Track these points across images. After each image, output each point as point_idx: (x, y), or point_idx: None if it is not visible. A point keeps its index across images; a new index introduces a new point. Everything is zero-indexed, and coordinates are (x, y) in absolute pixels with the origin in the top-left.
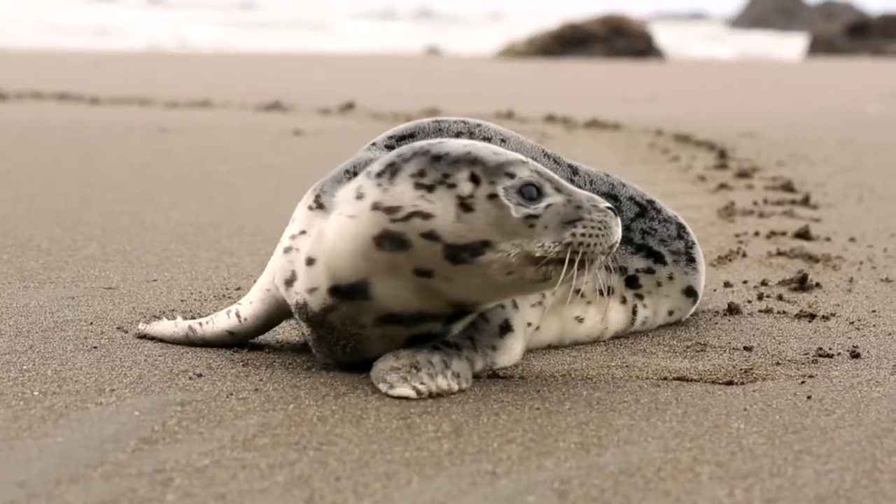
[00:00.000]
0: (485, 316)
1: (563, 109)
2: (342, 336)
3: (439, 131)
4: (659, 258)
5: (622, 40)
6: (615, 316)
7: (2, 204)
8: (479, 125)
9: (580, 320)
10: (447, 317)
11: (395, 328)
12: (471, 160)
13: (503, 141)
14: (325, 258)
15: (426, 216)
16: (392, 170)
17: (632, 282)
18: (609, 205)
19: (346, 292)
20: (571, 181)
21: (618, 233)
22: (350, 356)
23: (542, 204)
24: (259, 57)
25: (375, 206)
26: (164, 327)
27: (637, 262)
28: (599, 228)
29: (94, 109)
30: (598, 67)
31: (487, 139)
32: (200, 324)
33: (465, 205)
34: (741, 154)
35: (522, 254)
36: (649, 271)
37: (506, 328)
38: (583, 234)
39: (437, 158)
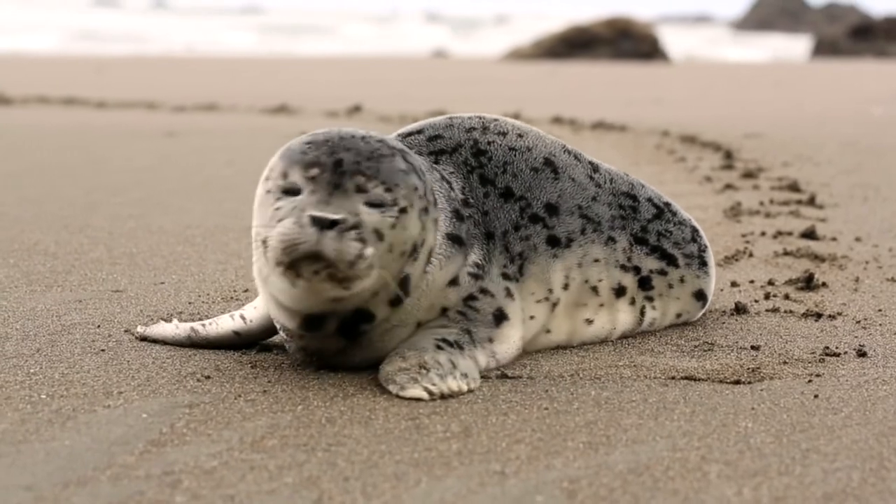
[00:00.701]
0: (475, 307)
1: (570, 111)
2: (297, 347)
3: (450, 127)
4: (672, 260)
5: (628, 42)
6: (623, 317)
7: (8, 208)
8: (495, 120)
9: (589, 322)
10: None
11: (317, 328)
12: (284, 156)
13: (520, 135)
14: None
15: (255, 210)
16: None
17: (645, 283)
18: (318, 215)
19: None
20: (591, 178)
21: (309, 244)
22: (319, 362)
23: (287, 203)
24: (265, 61)
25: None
26: (165, 329)
27: (651, 263)
28: (290, 232)
29: (101, 113)
30: (603, 70)
31: (503, 133)
32: (203, 325)
33: (260, 199)
34: (747, 155)
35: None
36: (662, 273)
37: (500, 317)
38: (280, 235)
39: (281, 155)
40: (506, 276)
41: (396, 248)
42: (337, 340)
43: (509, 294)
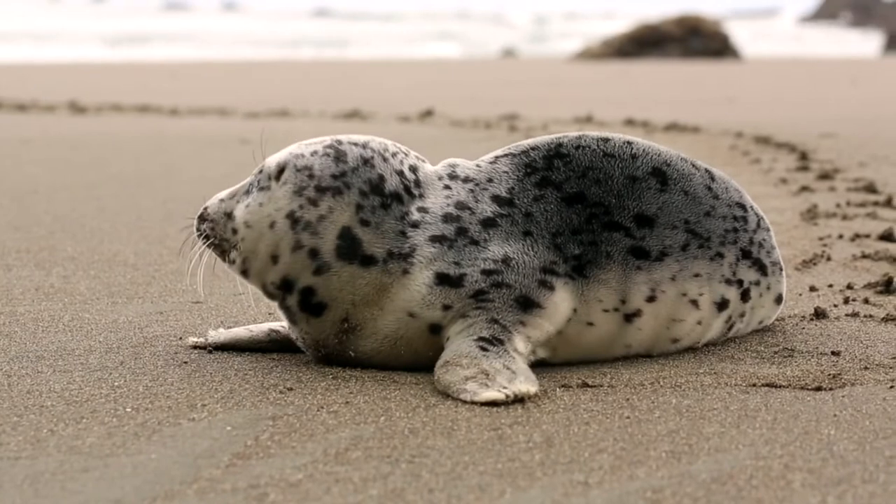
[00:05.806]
0: (489, 299)
1: (642, 113)
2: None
3: (546, 136)
4: (763, 270)
5: (698, 40)
6: (712, 333)
7: (88, 219)
8: (605, 134)
9: (676, 341)
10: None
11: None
12: None
13: (628, 143)
14: None
15: None
16: None
17: (745, 295)
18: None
19: None
20: (709, 188)
21: None
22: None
23: None
24: (333, 64)
25: None
26: (238, 333)
27: (751, 276)
28: None
29: (174, 121)
30: (674, 69)
31: (605, 140)
32: (283, 325)
33: None
34: (822, 155)
35: None
36: (757, 284)
37: (526, 304)
38: None
39: None
40: (551, 272)
41: None
42: (307, 318)
43: (545, 285)
